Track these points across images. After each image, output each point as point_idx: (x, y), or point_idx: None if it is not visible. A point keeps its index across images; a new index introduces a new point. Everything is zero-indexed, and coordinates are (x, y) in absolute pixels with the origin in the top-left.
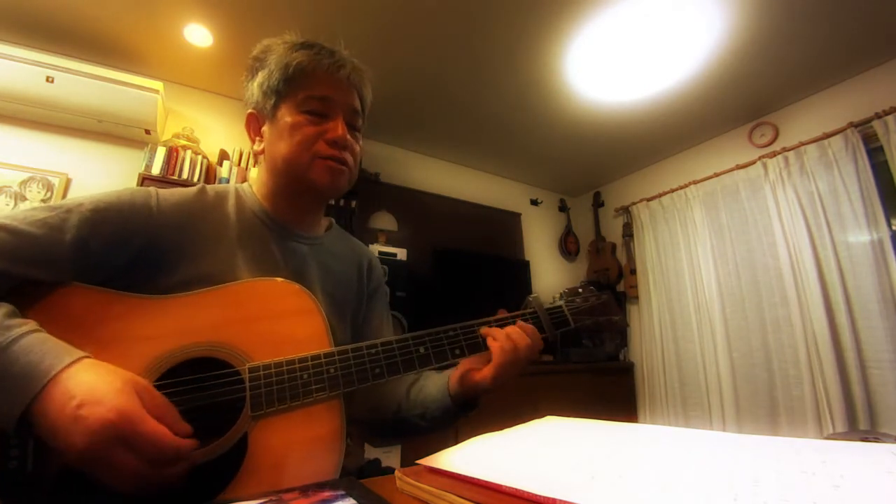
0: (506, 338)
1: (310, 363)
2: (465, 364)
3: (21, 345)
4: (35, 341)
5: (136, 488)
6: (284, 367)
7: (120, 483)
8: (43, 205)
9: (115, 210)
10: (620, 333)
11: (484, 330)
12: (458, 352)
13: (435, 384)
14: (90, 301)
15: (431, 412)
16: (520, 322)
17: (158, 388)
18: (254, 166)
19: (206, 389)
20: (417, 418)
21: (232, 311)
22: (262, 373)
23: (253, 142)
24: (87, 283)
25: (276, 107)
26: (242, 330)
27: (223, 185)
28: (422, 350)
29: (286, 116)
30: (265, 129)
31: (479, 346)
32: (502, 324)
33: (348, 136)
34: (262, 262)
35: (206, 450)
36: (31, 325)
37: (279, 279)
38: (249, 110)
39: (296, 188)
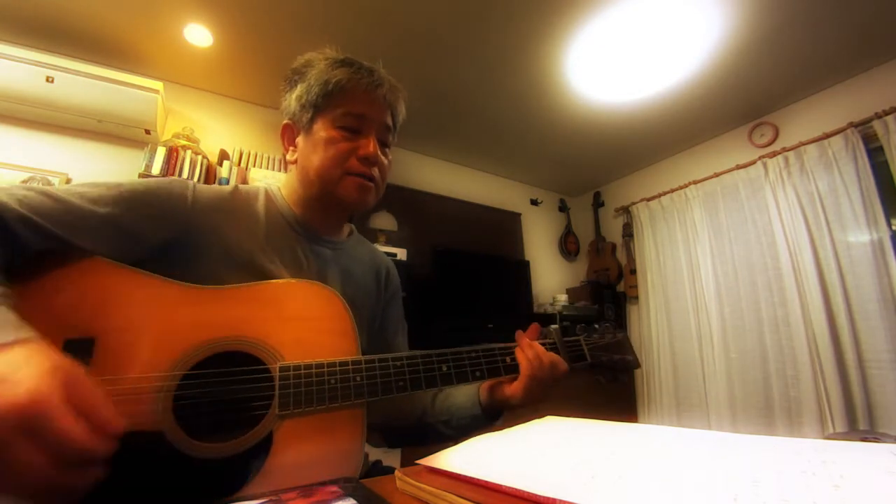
0: (535, 355)
1: (338, 369)
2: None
3: None
4: None
5: (33, 491)
6: (314, 370)
7: (14, 481)
8: (88, 182)
9: (153, 193)
10: (629, 371)
11: (517, 351)
12: (478, 374)
13: (463, 393)
14: (131, 281)
15: (458, 419)
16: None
17: (191, 377)
18: (281, 170)
19: (236, 383)
20: (443, 425)
21: (267, 309)
22: (291, 373)
23: (286, 151)
24: (119, 261)
25: (312, 120)
26: (276, 329)
27: (254, 186)
28: (444, 368)
29: (321, 131)
30: (299, 139)
31: (500, 371)
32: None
33: (379, 153)
34: (288, 262)
35: (233, 443)
36: None
37: (315, 283)
38: (285, 121)
39: (325, 200)
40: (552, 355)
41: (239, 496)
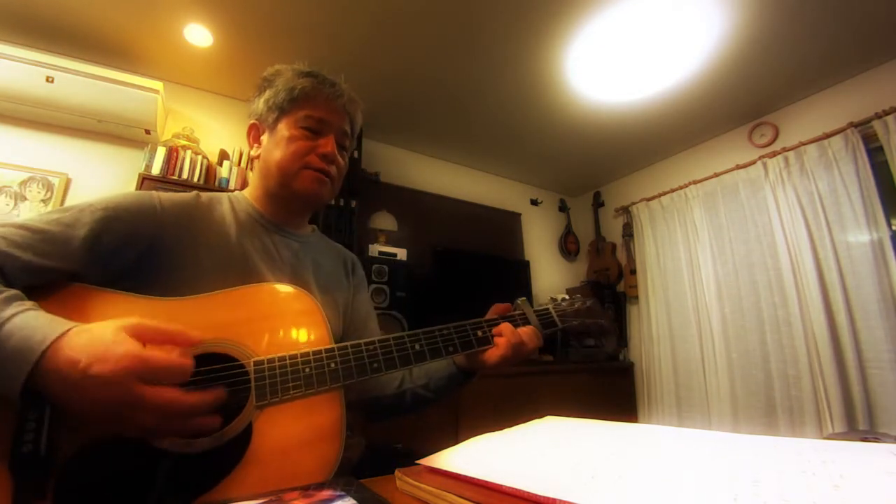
0: (512, 333)
1: (311, 358)
2: None
3: (14, 322)
4: (28, 318)
5: (166, 418)
6: (287, 361)
7: (151, 418)
8: (58, 208)
9: (125, 209)
10: (606, 335)
11: (496, 329)
12: (451, 349)
13: None
14: (102, 303)
15: (435, 381)
16: (521, 328)
17: None
18: (249, 171)
19: (212, 381)
20: (422, 388)
21: (238, 313)
22: (266, 366)
23: (251, 147)
24: (98, 280)
25: (277, 120)
26: (248, 329)
27: (216, 192)
28: (417, 347)
29: (284, 130)
30: (264, 138)
31: (472, 344)
32: (495, 323)
33: (337, 153)
34: (262, 256)
35: (213, 437)
36: (27, 304)
37: (283, 283)
38: (252, 121)
39: (283, 192)
40: (528, 331)
41: (237, 497)
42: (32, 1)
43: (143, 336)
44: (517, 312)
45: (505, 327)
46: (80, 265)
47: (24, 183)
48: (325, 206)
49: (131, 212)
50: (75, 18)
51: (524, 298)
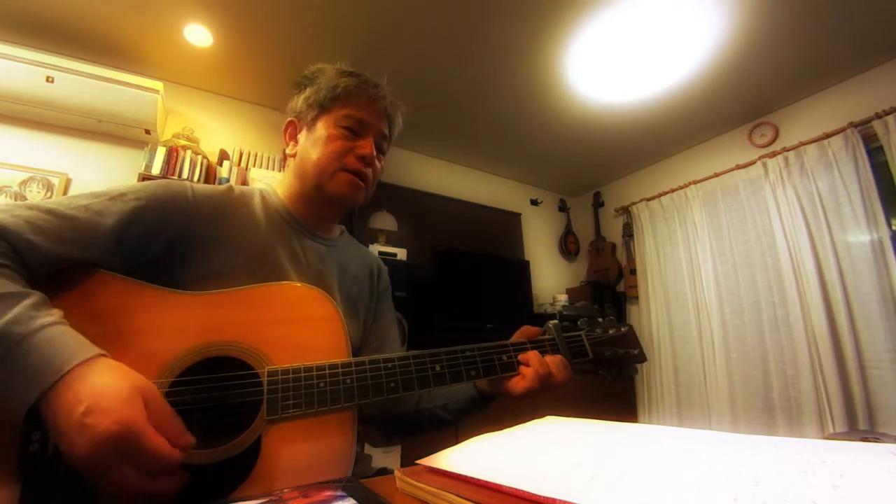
0: (540, 363)
1: (327, 372)
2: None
3: (39, 337)
4: (54, 334)
5: (129, 498)
6: (302, 374)
7: (115, 490)
8: (88, 192)
9: (156, 198)
10: (635, 365)
11: (522, 357)
12: (473, 373)
13: None
14: (122, 292)
15: (455, 403)
16: (550, 356)
17: (179, 384)
18: (281, 170)
19: (224, 389)
20: (440, 409)
21: (256, 313)
22: (280, 377)
23: (287, 145)
24: (122, 268)
25: (316, 118)
26: (265, 332)
27: (248, 187)
28: (437, 368)
29: (323, 128)
30: (301, 136)
31: (496, 370)
32: (522, 349)
33: (375, 155)
34: (290, 256)
35: (221, 449)
36: (54, 316)
37: (305, 285)
38: (290, 118)
39: (317, 194)
40: (557, 362)
41: (238, 497)
42: (32, 1)
43: (154, 409)
44: (546, 338)
45: (532, 356)
46: (103, 254)
47: (23, 183)
48: (356, 207)
49: (162, 201)
50: (75, 18)
51: (556, 322)
